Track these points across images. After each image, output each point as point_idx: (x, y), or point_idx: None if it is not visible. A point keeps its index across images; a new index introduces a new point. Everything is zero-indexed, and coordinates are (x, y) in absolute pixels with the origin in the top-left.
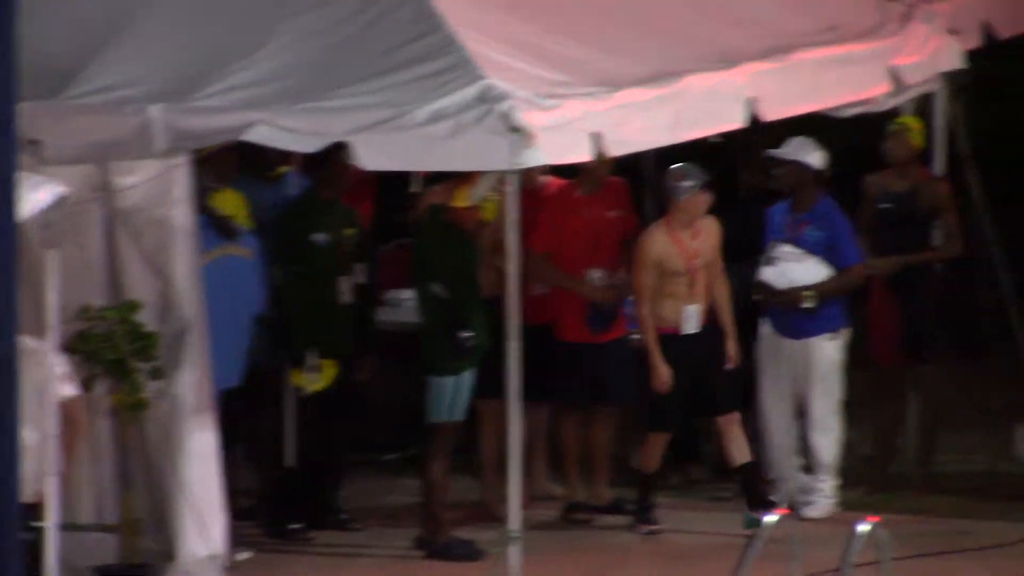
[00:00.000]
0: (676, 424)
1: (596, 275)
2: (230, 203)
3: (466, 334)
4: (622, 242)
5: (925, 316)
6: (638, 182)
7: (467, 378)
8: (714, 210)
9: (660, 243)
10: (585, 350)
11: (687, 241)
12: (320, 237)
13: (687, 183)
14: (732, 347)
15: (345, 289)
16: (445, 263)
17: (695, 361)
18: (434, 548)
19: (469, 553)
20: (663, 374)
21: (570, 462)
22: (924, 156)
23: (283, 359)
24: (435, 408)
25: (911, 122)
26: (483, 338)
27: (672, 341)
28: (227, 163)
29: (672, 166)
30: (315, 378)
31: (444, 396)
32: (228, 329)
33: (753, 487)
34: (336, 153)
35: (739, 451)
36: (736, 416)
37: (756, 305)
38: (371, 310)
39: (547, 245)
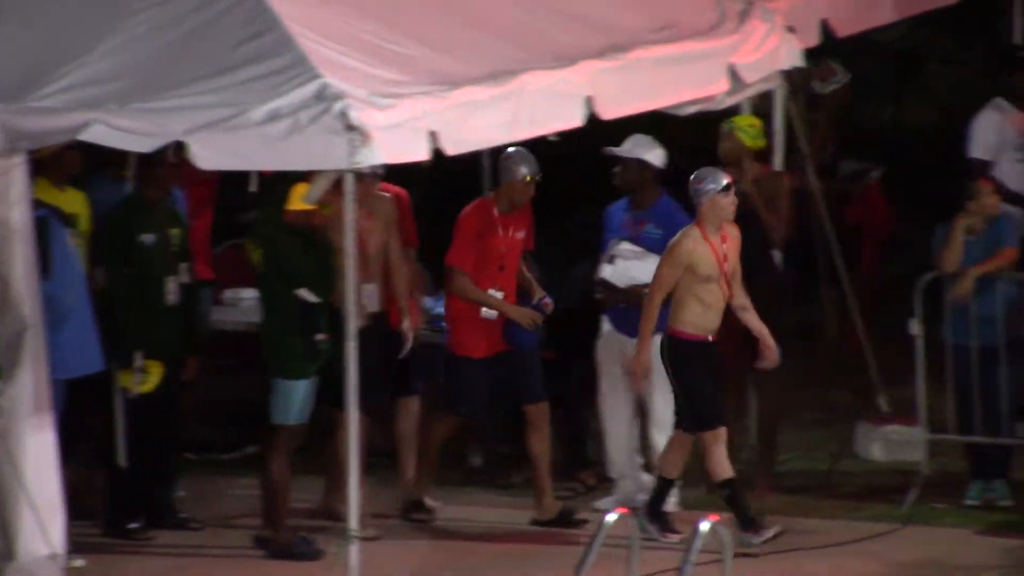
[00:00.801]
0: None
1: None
2: (76, 203)
3: (320, 337)
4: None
5: (766, 314)
6: (477, 182)
7: (315, 382)
8: (559, 210)
9: (694, 246)
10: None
11: (718, 245)
12: (148, 238)
13: (709, 186)
14: (772, 348)
15: (172, 289)
16: (304, 267)
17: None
18: (274, 547)
19: (309, 552)
20: (644, 365)
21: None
22: (765, 154)
23: (111, 360)
24: (283, 410)
25: (742, 121)
26: (332, 342)
27: (705, 347)
28: (69, 162)
29: (697, 170)
30: (142, 379)
31: (294, 399)
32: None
33: (738, 504)
34: (160, 154)
35: (720, 467)
36: (721, 432)
37: (597, 303)
38: (196, 310)
39: (465, 263)
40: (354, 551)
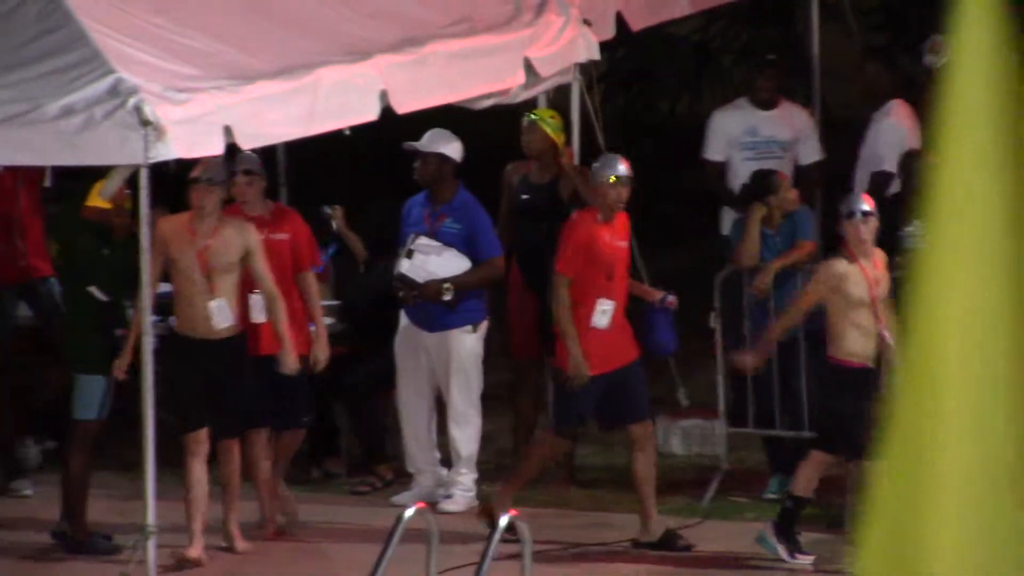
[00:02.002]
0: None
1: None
2: None
3: (120, 333)
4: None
5: None
6: (273, 179)
7: (112, 379)
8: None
9: (844, 270)
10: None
11: (869, 270)
12: None
13: (856, 207)
14: None
15: None
16: (98, 264)
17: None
18: (72, 543)
19: (106, 548)
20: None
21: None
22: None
23: None
24: (84, 406)
25: (544, 114)
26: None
27: (858, 375)
28: None
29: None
30: None
31: (95, 394)
32: None
33: (791, 521)
34: None
35: (807, 484)
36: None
37: (395, 298)
38: None
39: (569, 270)
40: (152, 547)
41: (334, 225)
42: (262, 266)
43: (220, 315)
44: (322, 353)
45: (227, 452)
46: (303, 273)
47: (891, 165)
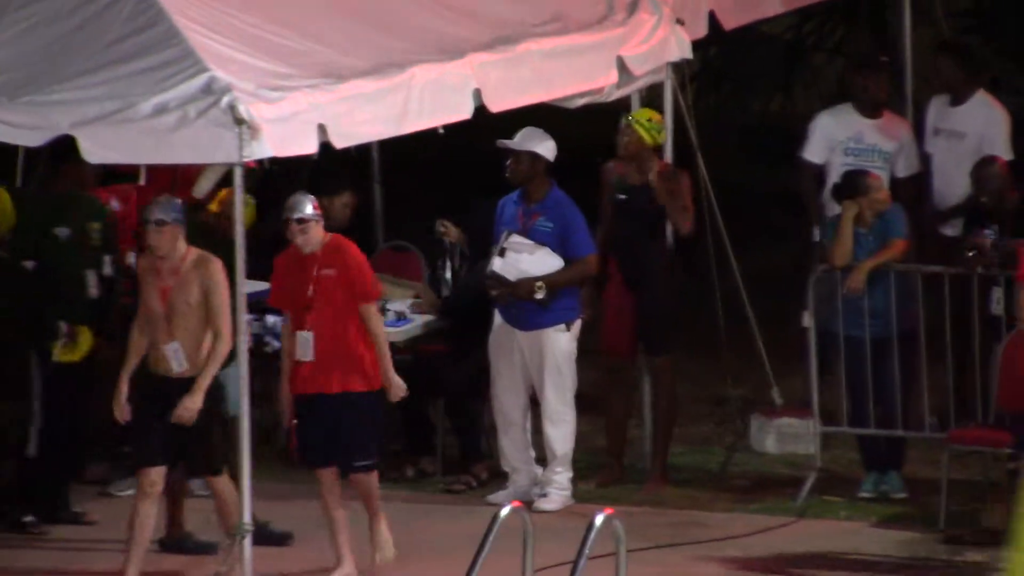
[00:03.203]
0: None
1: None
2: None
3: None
4: None
5: (659, 308)
6: (366, 178)
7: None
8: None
9: None
10: None
11: None
12: (63, 231)
13: None
14: None
15: (92, 283)
16: None
17: None
18: (170, 542)
19: (202, 547)
20: None
21: None
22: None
23: (31, 341)
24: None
25: (642, 116)
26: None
27: None
28: None
29: None
30: (71, 346)
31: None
32: None
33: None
34: (73, 151)
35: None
36: None
37: (489, 298)
38: (116, 302)
39: None
40: (247, 544)
41: (447, 242)
42: (216, 303)
43: (175, 359)
44: (394, 388)
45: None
46: (363, 306)
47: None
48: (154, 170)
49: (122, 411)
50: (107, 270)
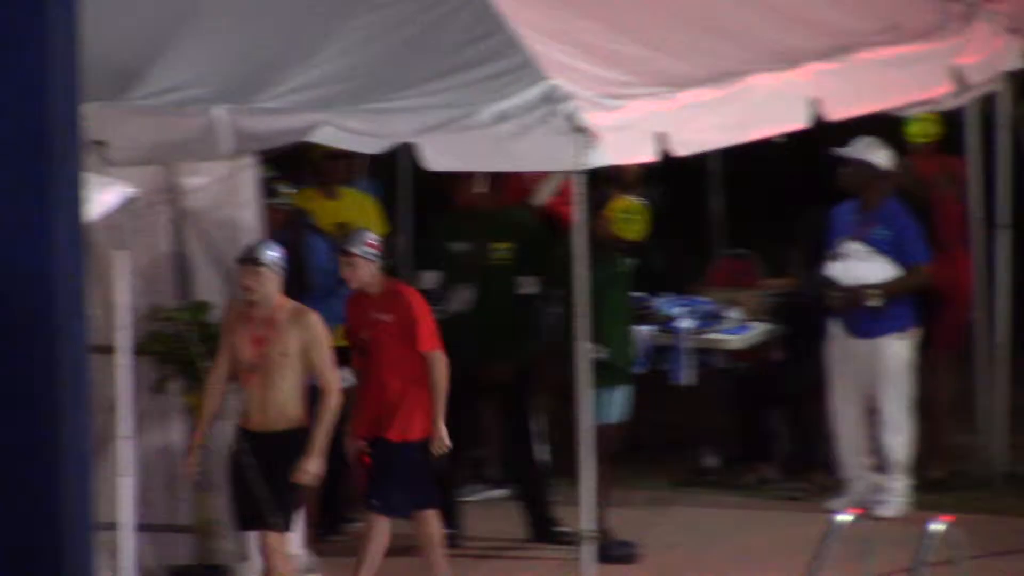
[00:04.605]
0: None
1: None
2: (350, 210)
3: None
4: None
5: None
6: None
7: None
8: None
9: None
10: None
11: None
12: (458, 247)
13: None
14: None
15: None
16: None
17: None
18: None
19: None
20: None
21: None
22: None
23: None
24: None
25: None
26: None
27: None
28: (329, 170)
29: None
30: None
31: (615, 398)
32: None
33: None
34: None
35: None
36: None
37: (826, 305)
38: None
39: None
40: (589, 551)
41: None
42: (319, 358)
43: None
44: (438, 441)
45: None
46: (424, 353)
47: None
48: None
49: (192, 465)
50: (526, 289)
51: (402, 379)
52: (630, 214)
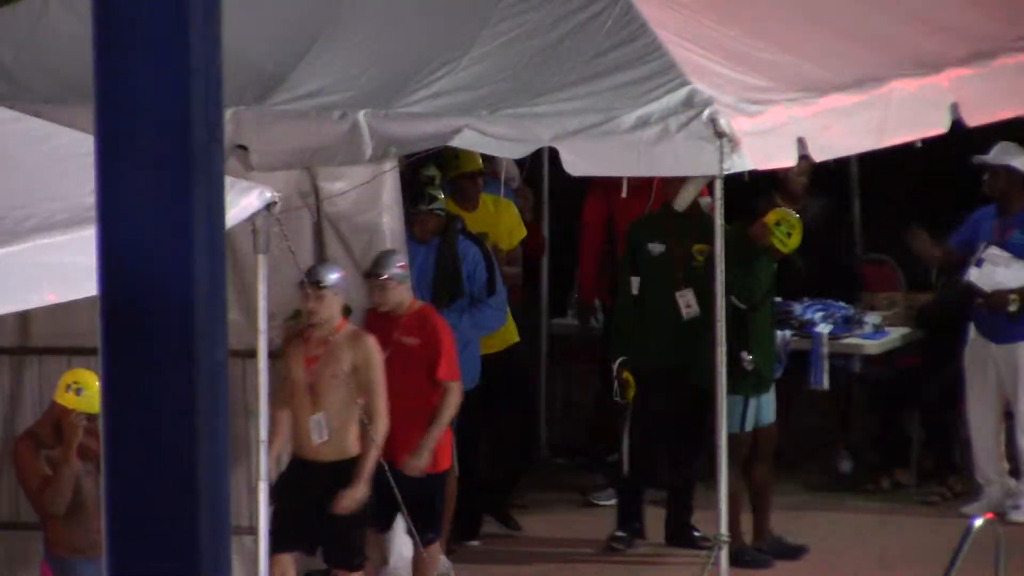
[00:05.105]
0: None
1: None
2: (483, 222)
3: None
4: None
5: None
6: (845, 193)
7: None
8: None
9: None
10: None
11: None
12: (654, 248)
13: None
14: None
15: (684, 304)
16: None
17: None
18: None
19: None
20: None
21: None
22: None
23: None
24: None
25: None
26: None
27: None
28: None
29: None
30: (621, 389)
31: (735, 408)
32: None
33: None
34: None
35: None
36: None
37: (963, 309)
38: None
39: None
40: (723, 556)
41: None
42: (372, 377)
43: (316, 430)
44: (422, 462)
45: None
46: (441, 381)
47: None
48: (634, 182)
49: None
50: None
51: (404, 404)
52: (787, 226)
